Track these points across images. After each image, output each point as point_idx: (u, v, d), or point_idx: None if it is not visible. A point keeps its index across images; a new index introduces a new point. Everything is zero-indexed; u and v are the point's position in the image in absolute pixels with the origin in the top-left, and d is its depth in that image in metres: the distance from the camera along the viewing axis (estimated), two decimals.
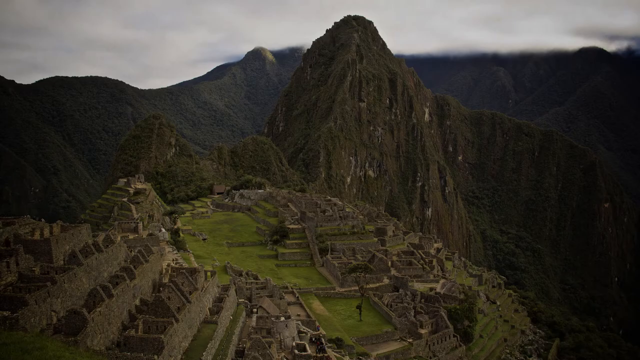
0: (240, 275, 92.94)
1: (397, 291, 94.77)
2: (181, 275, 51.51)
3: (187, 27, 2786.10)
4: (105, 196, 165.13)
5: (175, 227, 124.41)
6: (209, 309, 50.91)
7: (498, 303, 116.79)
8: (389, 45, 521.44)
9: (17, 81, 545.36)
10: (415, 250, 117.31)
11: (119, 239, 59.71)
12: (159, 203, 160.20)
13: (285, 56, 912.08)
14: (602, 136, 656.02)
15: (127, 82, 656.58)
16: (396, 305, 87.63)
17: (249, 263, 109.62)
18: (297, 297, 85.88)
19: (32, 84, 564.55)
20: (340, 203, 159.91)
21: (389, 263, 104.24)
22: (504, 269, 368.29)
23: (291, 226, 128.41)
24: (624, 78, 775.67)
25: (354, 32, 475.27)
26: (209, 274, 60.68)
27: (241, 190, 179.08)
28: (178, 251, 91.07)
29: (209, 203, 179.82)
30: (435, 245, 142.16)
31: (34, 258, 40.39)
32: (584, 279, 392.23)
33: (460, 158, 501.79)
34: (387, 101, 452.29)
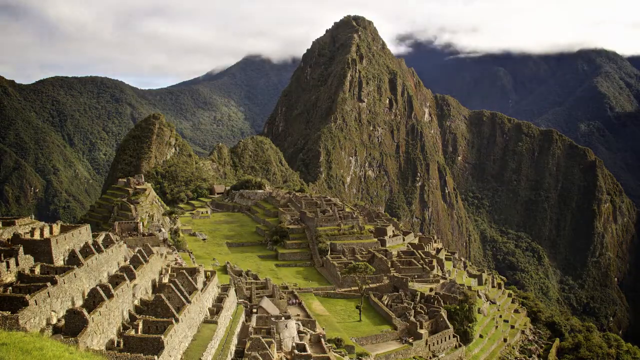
0: (240, 275, 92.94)
1: (397, 291, 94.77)
2: (181, 275, 51.54)
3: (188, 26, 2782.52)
4: (105, 196, 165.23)
5: (175, 227, 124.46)
6: (209, 309, 50.94)
7: (498, 303, 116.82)
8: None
9: (17, 81, 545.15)
10: (415, 251, 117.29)
11: (118, 239, 59.73)
12: (159, 203, 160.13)
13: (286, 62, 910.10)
14: (602, 136, 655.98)
15: (127, 82, 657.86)
16: (396, 305, 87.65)
17: (248, 263, 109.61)
18: (297, 297, 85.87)
19: (32, 84, 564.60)
20: (340, 203, 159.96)
21: (389, 263, 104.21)
22: (504, 269, 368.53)
23: (291, 226, 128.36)
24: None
25: (353, 32, 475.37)
26: (208, 274, 60.69)
27: (241, 191, 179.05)
28: (177, 251, 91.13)
29: (208, 203, 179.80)
30: (435, 245, 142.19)
31: (34, 258, 40.39)
32: (584, 279, 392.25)
33: (460, 158, 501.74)
34: (387, 101, 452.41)
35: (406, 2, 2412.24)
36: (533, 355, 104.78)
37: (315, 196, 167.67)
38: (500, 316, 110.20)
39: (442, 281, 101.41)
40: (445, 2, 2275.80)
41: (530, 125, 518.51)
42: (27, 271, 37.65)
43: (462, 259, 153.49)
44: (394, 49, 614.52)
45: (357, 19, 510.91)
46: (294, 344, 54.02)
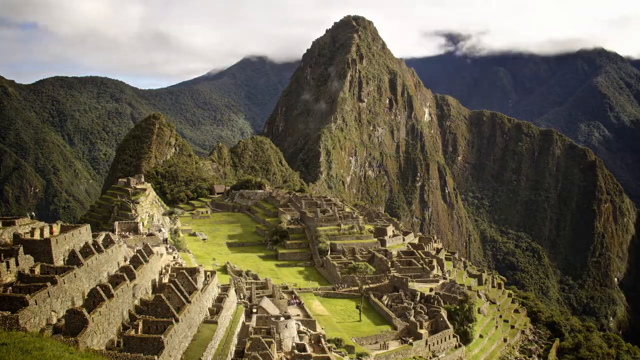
0: (240, 275, 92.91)
1: (397, 291, 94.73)
2: (181, 275, 51.54)
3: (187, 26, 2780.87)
4: (105, 196, 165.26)
5: (175, 227, 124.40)
6: (209, 309, 50.93)
7: (498, 303, 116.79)
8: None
9: (17, 81, 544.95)
10: (415, 251, 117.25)
11: (118, 239, 59.72)
12: (159, 203, 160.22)
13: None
14: (602, 136, 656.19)
15: (127, 82, 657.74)
16: (396, 305, 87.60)
17: (248, 263, 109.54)
18: (297, 297, 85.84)
19: (32, 84, 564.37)
20: (340, 203, 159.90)
21: (389, 263, 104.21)
22: (504, 269, 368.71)
23: (291, 226, 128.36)
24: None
25: (353, 32, 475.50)
26: (208, 274, 60.68)
27: (241, 191, 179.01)
28: (177, 251, 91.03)
29: (208, 203, 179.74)
30: (435, 245, 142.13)
31: (34, 258, 40.40)
32: (584, 279, 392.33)
33: (460, 158, 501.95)
34: (387, 101, 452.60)
35: (407, 3, 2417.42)
36: (533, 355, 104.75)
37: (315, 196, 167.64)
38: (500, 316, 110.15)
39: (442, 281, 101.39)
40: (446, 3, 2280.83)
41: (530, 125, 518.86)
42: (27, 271, 37.67)
43: (462, 259, 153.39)
44: (394, 49, 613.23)
45: (357, 19, 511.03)
46: (294, 344, 54.03)
